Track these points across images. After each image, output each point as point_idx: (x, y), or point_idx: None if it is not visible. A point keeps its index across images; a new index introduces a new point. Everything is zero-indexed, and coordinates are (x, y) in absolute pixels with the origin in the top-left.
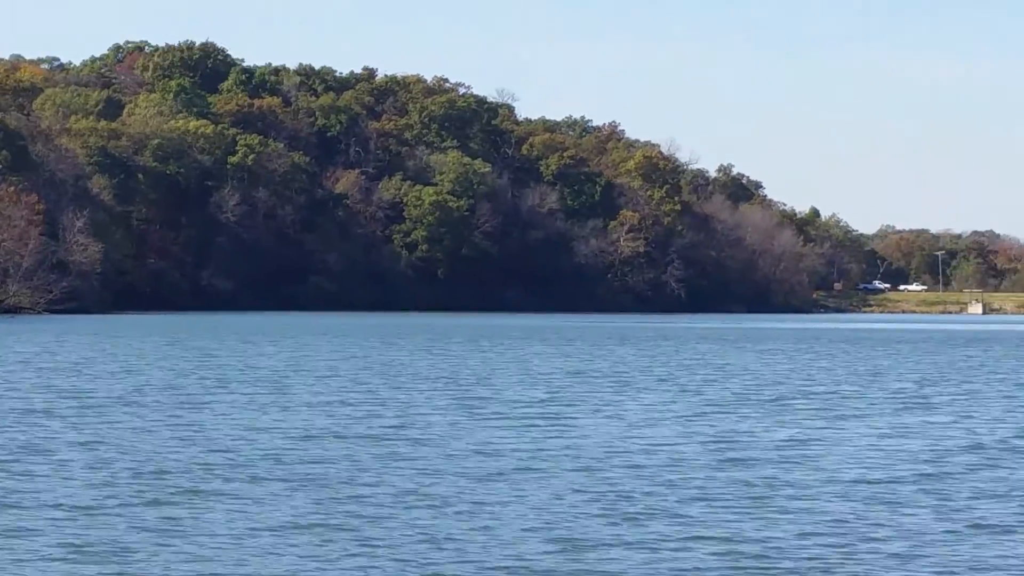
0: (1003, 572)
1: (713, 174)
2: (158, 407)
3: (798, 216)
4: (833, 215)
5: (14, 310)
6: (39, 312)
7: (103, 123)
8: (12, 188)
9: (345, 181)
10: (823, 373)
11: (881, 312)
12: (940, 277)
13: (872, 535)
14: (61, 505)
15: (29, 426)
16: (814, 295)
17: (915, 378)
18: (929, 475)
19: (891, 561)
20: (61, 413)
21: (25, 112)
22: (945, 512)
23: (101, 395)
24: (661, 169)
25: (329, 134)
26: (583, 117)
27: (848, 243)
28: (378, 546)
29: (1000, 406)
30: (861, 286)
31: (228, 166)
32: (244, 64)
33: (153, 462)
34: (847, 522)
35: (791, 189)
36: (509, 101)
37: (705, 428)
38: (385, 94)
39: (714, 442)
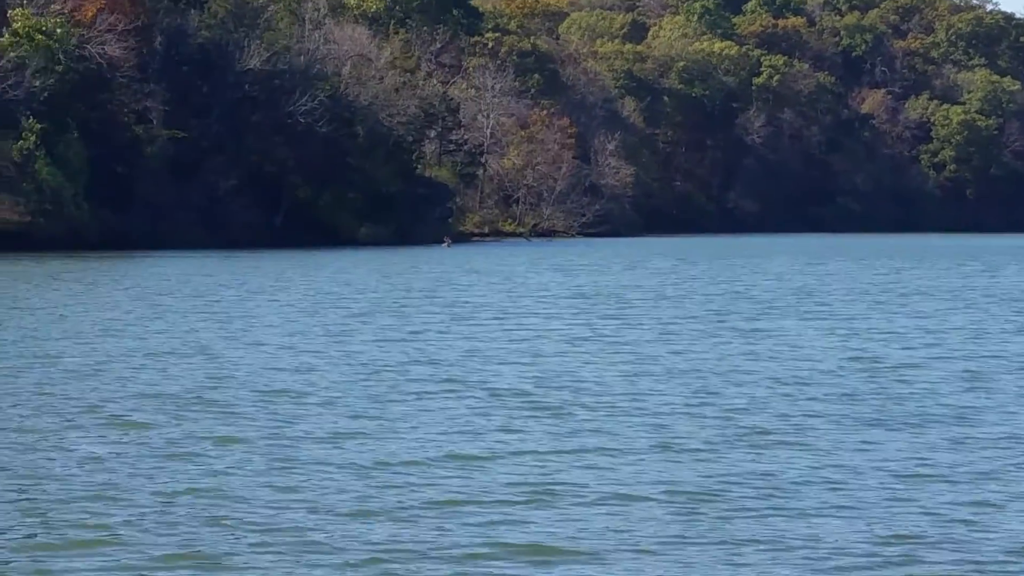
0: None
1: None
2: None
3: None
4: None
5: (548, 233)
6: (572, 235)
7: (628, 46)
8: (544, 112)
9: (871, 101)
10: None
11: None
12: None
13: None
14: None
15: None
16: None
17: None
18: None
19: None
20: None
21: (553, 36)
22: None
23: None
24: None
25: (854, 54)
26: None
27: None
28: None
29: None
30: None
31: (753, 87)
32: None
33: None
34: None
35: None
36: None
37: None
38: (911, 12)
39: None
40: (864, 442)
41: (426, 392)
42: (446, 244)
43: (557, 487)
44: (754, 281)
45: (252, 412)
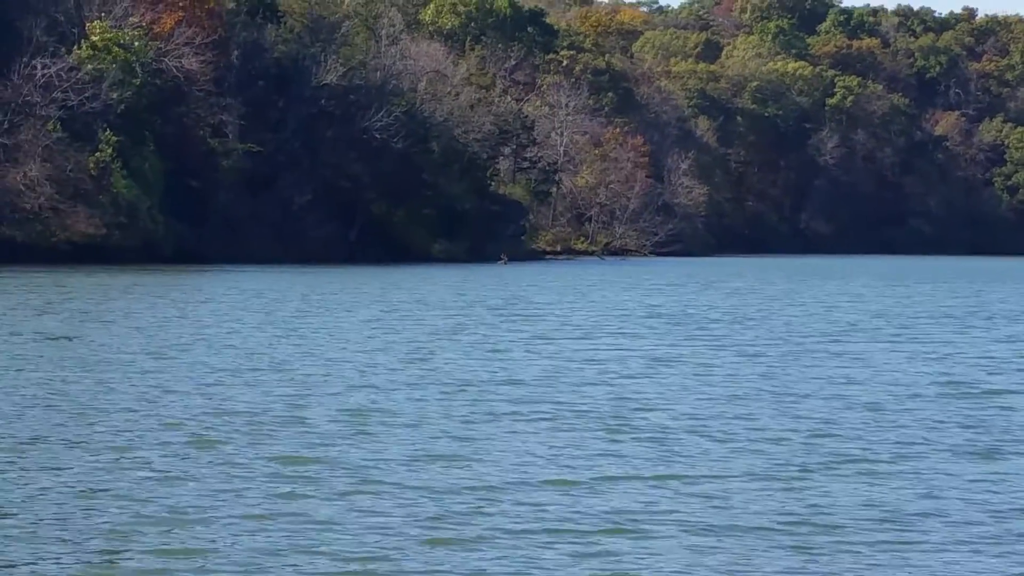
0: None
1: None
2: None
3: None
4: None
5: (620, 252)
6: (645, 254)
7: (702, 65)
8: (618, 130)
9: (945, 123)
10: None
11: None
12: None
13: None
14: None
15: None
16: None
17: None
18: None
19: None
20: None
21: (627, 55)
22: None
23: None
24: None
25: (928, 75)
26: None
27: None
28: None
29: None
30: None
31: (826, 108)
32: (842, 5)
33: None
34: None
35: None
36: None
37: None
38: (985, 35)
39: None
40: (972, 471)
41: (509, 414)
42: (503, 261)
43: (659, 516)
44: (836, 303)
45: (331, 431)
